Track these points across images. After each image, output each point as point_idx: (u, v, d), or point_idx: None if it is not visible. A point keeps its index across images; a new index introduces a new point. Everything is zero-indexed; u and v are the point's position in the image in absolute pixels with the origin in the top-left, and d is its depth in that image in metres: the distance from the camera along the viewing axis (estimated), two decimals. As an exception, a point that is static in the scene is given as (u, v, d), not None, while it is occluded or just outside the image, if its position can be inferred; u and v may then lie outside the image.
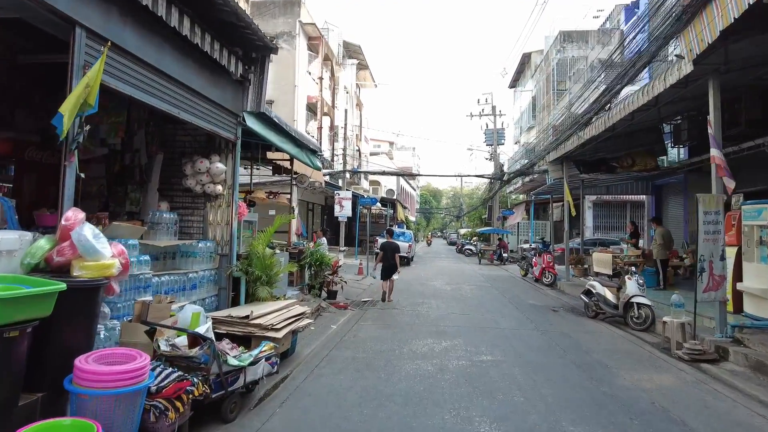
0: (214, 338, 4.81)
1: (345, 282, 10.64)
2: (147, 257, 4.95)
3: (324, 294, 10.37)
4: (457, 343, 7.21)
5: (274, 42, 6.47)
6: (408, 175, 37.72)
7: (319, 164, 10.29)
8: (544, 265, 15.73)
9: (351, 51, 35.25)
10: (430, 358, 6.31)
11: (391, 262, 11.18)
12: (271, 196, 11.75)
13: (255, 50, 6.43)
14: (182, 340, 4.65)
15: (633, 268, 9.02)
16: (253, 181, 11.55)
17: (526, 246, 27.08)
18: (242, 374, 4.30)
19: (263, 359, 4.58)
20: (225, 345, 4.68)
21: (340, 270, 11.71)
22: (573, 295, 13.06)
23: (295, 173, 11.00)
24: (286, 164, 10.73)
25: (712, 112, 6.85)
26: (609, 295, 9.25)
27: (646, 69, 11.48)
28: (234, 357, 4.45)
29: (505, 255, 25.75)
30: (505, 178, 24.68)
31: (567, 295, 13.35)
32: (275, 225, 6.91)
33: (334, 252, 16.79)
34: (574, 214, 14.91)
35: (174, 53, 5.01)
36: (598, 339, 7.81)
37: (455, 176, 40.81)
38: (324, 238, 12.33)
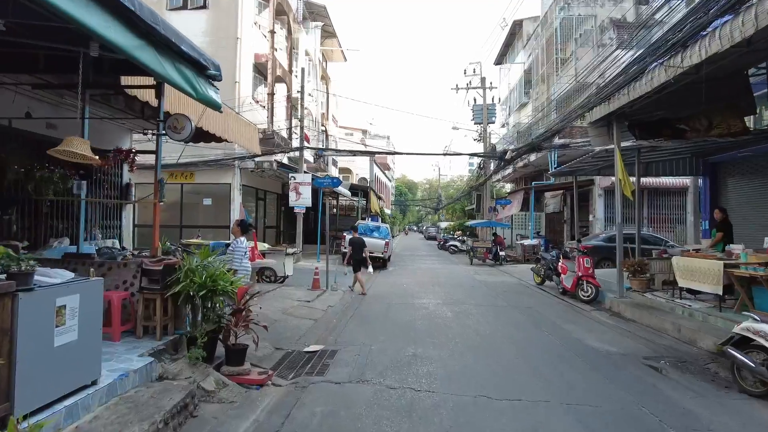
0: None
1: (265, 327, 5.42)
2: None
3: (221, 353, 5.22)
4: None
5: None
6: (384, 153, 32.41)
7: (212, 95, 5.12)
8: (580, 273, 10.92)
9: (315, 13, 29.84)
10: None
11: (360, 256, 11.56)
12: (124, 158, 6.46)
13: None
14: None
15: None
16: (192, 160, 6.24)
17: (527, 243, 22.43)
18: None
19: None
20: None
21: (268, 296, 6.58)
22: (642, 323, 8.28)
23: (169, 114, 5.81)
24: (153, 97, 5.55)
25: None
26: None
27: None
28: None
29: (502, 253, 20.89)
30: (509, 156, 19.67)
31: (629, 321, 8.57)
32: None
33: (278, 255, 11.57)
34: (631, 197, 10.11)
35: None
36: None
37: (443, 154, 35.50)
38: (243, 237, 7.11)
